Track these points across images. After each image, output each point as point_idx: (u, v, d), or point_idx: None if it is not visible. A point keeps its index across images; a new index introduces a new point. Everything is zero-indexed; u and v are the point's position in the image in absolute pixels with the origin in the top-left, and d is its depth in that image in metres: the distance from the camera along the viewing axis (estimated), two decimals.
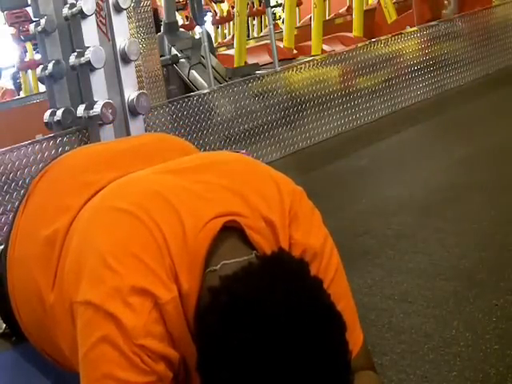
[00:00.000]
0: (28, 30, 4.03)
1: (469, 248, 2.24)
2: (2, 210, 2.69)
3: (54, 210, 1.32)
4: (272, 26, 4.40)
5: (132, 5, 3.60)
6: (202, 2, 4.72)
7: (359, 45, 4.53)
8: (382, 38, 4.64)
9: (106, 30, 2.79)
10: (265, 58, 5.40)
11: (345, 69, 4.29)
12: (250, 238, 1.12)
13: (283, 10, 7.86)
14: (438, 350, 1.67)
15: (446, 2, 5.45)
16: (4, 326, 1.88)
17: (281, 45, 5.49)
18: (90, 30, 2.73)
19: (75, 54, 2.75)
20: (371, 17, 6.59)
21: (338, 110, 4.18)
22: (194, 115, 3.54)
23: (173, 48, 4.92)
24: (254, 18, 8.92)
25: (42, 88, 5.44)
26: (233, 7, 7.66)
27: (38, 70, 3.07)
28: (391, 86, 4.49)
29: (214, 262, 1.07)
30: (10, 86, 8.12)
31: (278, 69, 4.00)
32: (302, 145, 3.97)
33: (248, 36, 8.24)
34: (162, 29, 5.06)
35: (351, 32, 6.08)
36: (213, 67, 4.29)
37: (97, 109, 2.71)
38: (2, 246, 1.55)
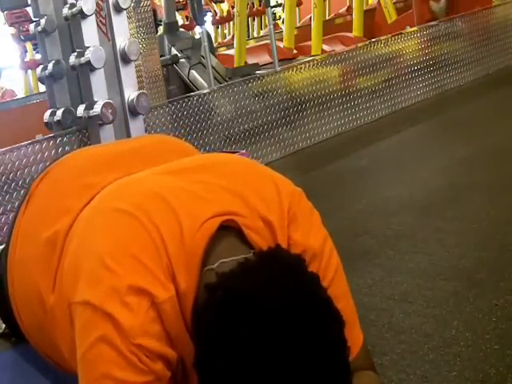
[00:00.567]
0: (28, 30, 4.03)
1: (469, 248, 2.24)
2: (2, 210, 2.69)
3: (54, 212, 1.32)
4: (272, 26, 4.40)
5: (132, 5, 3.60)
6: (202, 2, 4.72)
7: (359, 45, 4.53)
8: (381, 38, 4.64)
9: (106, 30, 2.79)
10: (265, 58, 5.40)
11: (345, 69, 4.29)
12: (248, 238, 1.12)
13: (283, 9, 7.86)
14: (437, 349, 1.67)
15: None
16: (4, 326, 1.88)
17: (281, 45, 5.49)
18: (90, 30, 2.73)
19: (75, 54, 2.75)
20: (371, 17, 6.60)
21: (337, 109, 4.18)
22: (194, 115, 3.54)
23: (173, 48, 4.92)
24: (254, 18, 8.92)
25: (42, 88, 5.44)
26: (233, 7, 7.66)
27: (38, 69, 3.07)
28: (391, 85, 4.49)
29: (212, 260, 1.07)
30: (10, 86, 8.12)
31: (278, 69, 4.01)
32: (302, 145, 3.97)
33: (248, 36, 8.24)
34: (160, 29, 5.06)
35: (351, 32, 6.09)
36: (213, 67, 4.29)
37: (97, 109, 2.71)
38: (3, 247, 1.55)
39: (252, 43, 6.73)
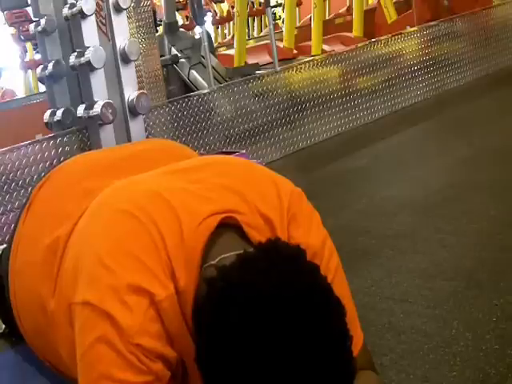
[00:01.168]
0: (28, 30, 4.03)
1: (469, 248, 2.24)
2: (2, 210, 2.69)
3: (55, 219, 1.32)
4: (272, 26, 4.40)
5: (132, 5, 3.60)
6: (202, 2, 4.72)
7: (359, 45, 4.53)
8: (381, 38, 4.64)
9: (106, 30, 2.79)
10: (265, 58, 5.40)
11: (345, 69, 4.29)
12: (248, 235, 1.12)
13: (283, 9, 7.86)
14: (437, 349, 1.67)
15: (446, 2, 5.45)
16: (4, 326, 1.89)
17: (281, 45, 5.49)
18: (90, 30, 2.73)
19: (75, 53, 2.75)
20: (371, 17, 6.60)
21: (337, 109, 4.18)
22: (194, 115, 3.54)
23: (173, 48, 4.92)
24: (254, 18, 8.93)
25: (42, 88, 5.44)
26: (233, 7, 7.66)
27: (38, 69, 3.07)
28: (391, 85, 4.49)
29: (212, 257, 1.07)
30: (10, 86, 8.12)
31: (278, 69, 4.00)
32: (302, 145, 3.97)
33: (248, 36, 8.25)
34: (160, 29, 5.06)
35: (351, 32, 6.09)
36: (213, 67, 4.29)
37: (97, 109, 2.71)
38: (3, 249, 1.54)
39: (252, 43, 6.73)
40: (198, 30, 6.70)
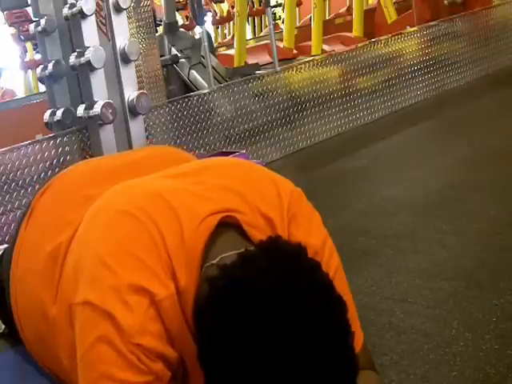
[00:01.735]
0: (28, 30, 4.03)
1: (469, 248, 2.24)
2: (2, 210, 2.69)
3: (56, 226, 1.32)
4: (272, 26, 4.40)
5: (132, 5, 3.60)
6: (202, 2, 4.72)
7: (359, 45, 4.53)
8: (381, 38, 4.64)
9: (106, 30, 2.79)
10: (265, 58, 5.40)
11: (345, 69, 4.29)
12: (249, 234, 1.12)
13: (283, 9, 7.86)
14: (437, 349, 1.67)
15: (445, 2, 5.45)
16: (3, 326, 1.89)
17: (281, 45, 5.49)
18: (90, 30, 2.73)
19: (75, 54, 2.75)
20: (371, 17, 6.60)
21: (337, 109, 4.18)
22: (194, 115, 3.54)
23: (173, 48, 4.93)
24: (254, 19, 8.93)
25: (42, 88, 5.44)
26: (233, 7, 7.66)
27: (38, 69, 3.07)
28: (391, 85, 4.49)
29: (212, 255, 1.07)
30: (10, 86, 8.12)
31: (278, 69, 4.00)
32: (302, 145, 3.97)
33: (254, 35, 8.27)
34: (160, 29, 5.06)
35: (351, 32, 6.09)
36: (213, 67, 4.29)
37: (97, 109, 2.71)
38: (5, 258, 1.53)
39: (252, 43, 6.73)
40: (198, 30, 6.71)
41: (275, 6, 9.44)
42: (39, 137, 3.20)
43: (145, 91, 3.08)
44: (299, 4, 7.87)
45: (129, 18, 3.49)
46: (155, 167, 1.39)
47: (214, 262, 1.05)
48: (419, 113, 4.38)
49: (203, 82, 4.61)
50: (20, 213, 2.68)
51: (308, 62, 4.17)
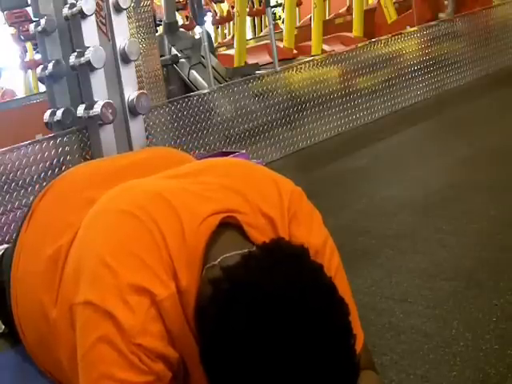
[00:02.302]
0: (28, 30, 4.03)
1: (469, 248, 2.24)
2: (2, 210, 2.69)
3: (56, 228, 1.32)
4: (272, 26, 4.40)
5: (132, 5, 3.60)
6: (202, 2, 4.72)
7: (359, 45, 4.53)
8: (381, 38, 4.64)
9: (106, 30, 2.79)
10: (265, 58, 5.40)
11: (345, 69, 4.29)
12: (249, 235, 1.12)
13: (283, 9, 7.86)
14: (437, 349, 1.67)
15: (446, 2, 5.46)
16: (3, 326, 1.88)
17: (281, 45, 5.49)
18: (90, 30, 2.73)
19: (75, 54, 2.75)
20: (371, 17, 6.60)
21: (337, 109, 4.18)
22: (194, 115, 3.54)
23: (173, 48, 4.93)
24: (254, 19, 8.93)
25: (42, 88, 5.44)
26: (233, 7, 7.66)
27: (38, 69, 3.07)
28: (391, 85, 4.49)
29: (213, 256, 1.07)
30: (10, 86, 8.12)
31: (278, 69, 4.00)
32: (302, 145, 3.98)
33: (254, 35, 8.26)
34: (159, 29, 5.05)
35: (351, 32, 6.09)
36: (213, 67, 4.29)
37: (97, 109, 2.71)
38: (5, 260, 1.53)
39: (252, 43, 6.73)
40: (198, 30, 6.71)
41: (275, 6, 9.44)
42: (39, 137, 3.20)
43: (145, 91, 3.08)
44: (299, 4, 7.87)
45: (129, 18, 3.49)
46: (155, 169, 1.39)
47: (216, 262, 1.05)
48: (419, 113, 4.38)
49: (203, 82, 4.61)
50: (20, 213, 2.68)
51: (308, 62, 4.18)
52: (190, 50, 4.89)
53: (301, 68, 4.07)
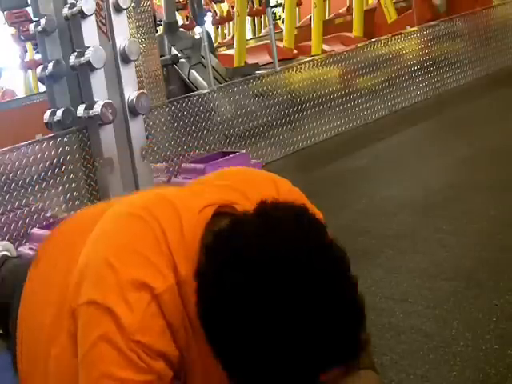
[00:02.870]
0: (28, 30, 4.03)
1: (469, 248, 2.24)
2: (2, 210, 2.69)
3: (64, 273, 1.28)
4: (272, 26, 4.40)
5: (132, 5, 3.60)
6: (202, 2, 4.72)
7: (359, 45, 4.53)
8: (381, 38, 4.65)
9: (106, 30, 2.79)
10: (265, 58, 5.40)
11: (345, 69, 4.29)
12: None
13: (283, 9, 7.86)
14: (438, 349, 1.67)
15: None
16: None
17: (281, 45, 5.50)
18: (90, 30, 2.73)
19: (75, 53, 2.75)
20: (371, 17, 6.60)
21: (337, 109, 4.19)
22: (194, 115, 3.54)
23: (173, 48, 4.93)
24: (254, 19, 8.93)
25: (42, 88, 5.44)
26: (233, 7, 7.66)
27: (38, 69, 3.07)
28: (391, 85, 4.49)
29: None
30: (10, 86, 8.13)
31: (278, 69, 4.01)
32: (302, 145, 3.98)
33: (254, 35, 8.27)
34: (159, 29, 5.05)
35: (351, 32, 6.09)
36: (213, 67, 4.29)
37: (97, 109, 2.71)
38: (15, 286, 1.50)
39: (252, 43, 6.73)
40: (198, 30, 6.71)
41: (275, 6, 9.44)
42: (39, 137, 3.20)
43: (145, 91, 3.09)
44: (299, 4, 7.87)
45: (129, 18, 3.48)
46: None
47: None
48: (419, 113, 4.38)
49: (203, 82, 4.61)
50: (20, 213, 2.68)
51: (308, 61, 4.18)
52: (190, 50, 4.90)
53: (301, 68, 4.07)
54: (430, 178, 3.05)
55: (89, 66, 2.70)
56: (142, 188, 2.85)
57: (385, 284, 2.08)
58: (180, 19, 7.76)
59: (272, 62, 4.29)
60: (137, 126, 2.89)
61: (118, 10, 2.79)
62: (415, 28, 4.90)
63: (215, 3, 8.89)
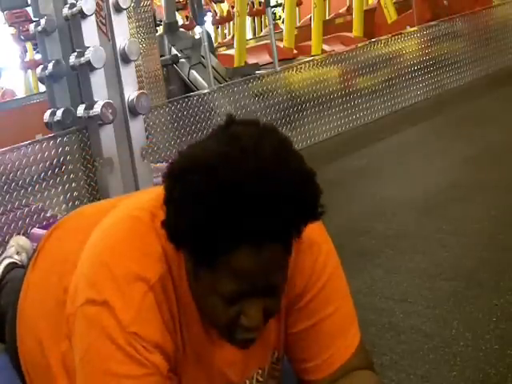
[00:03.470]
0: (28, 30, 4.03)
1: (469, 248, 2.24)
2: (2, 209, 2.69)
3: (63, 268, 1.28)
4: (272, 26, 4.40)
5: (132, 5, 3.60)
6: (202, 2, 4.72)
7: (359, 45, 4.53)
8: (381, 38, 4.64)
9: (106, 30, 2.79)
10: (265, 58, 5.40)
11: (345, 69, 4.29)
12: None
13: (283, 9, 7.86)
14: (438, 349, 1.67)
15: (445, 2, 5.46)
16: None
17: (281, 45, 5.49)
18: (90, 30, 2.73)
19: (75, 54, 2.75)
20: (371, 17, 6.60)
21: (337, 109, 4.18)
22: (194, 115, 3.54)
23: (173, 48, 4.93)
24: (254, 19, 8.93)
25: (42, 88, 5.44)
26: (233, 7, 7.66)
27: (38, 69, 3.07)
28: (391, 85, 4.49)
29: None
30: (10, 86, 8.13)
31: (278, 69, 4.01)
32: (302, 145, 3.98)
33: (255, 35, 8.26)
34: (159, 29, 5.05)
35: (351, 32, 6.09)
36: (213, 67, 4.29)
37: (97, 109, 2.71)
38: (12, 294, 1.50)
39: (252, 43, 6.73)
40: (198, 30, 6.71)
41: (275, 6, 9.44)
42: (39, 137, 3.20)
43: (145, 91, 3.09)
44: (299, 4, 7.87)
45: (129, 18, 3.48)
46: None
47: None
48: (419, 113, 4.38)
49: (203, 82, 4.61)
50: (20, 213, 2.69)
51: (308, 61, 4.18)
52: (190, 50, 4.90)
53: (301, 68, 4.07)
54: (431, 178, 3.05)
55: (89, 66, 2.70)
56: (142, 188, 2.86)
57: (385, 284, 2.08)
58: (180, 19, 7.76)
59: (272, 62, 4.29)
60: (137, 126, 2.89)
61: (118, 9, 2.78)
62: (415, 28, 4.90)
63: (215, 3, 8.89)
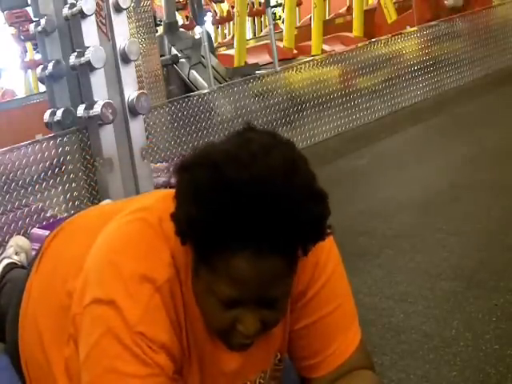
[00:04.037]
0: (28, 30, 4.03)
1: (469, 248, 2.24)
2: (2, 209, 2.69)
3: (67, 272, 1.27)
4: (272, 26, 4.40)
5: (132, 5, 3.60)
6: (202, 2, 4.72)
7: (359, 45, 4.53)
8: (381, 38, 4.64)
9: (106, 30, 2.79)
10: (265, 58, 5.40)
11: (345, 69, 4.29)
12: None
13: (283, 9, 7.86)
14: (437, 349, 1.67)
15: (446, 2, 5.46)
16: None
17: (281, 45, 5.50)
18: (90, 30, 2.73)
19: (75, 53, 2.75)
20: (371, 17, 6.60)
21: (338, 109, 4.18)
22: (194, 115, 3.54)
23: (173, 48, 4.93)
24: (254, 19, 8.93)
25: (42, 88, 5.44)
26: (233, 7, 7.66)
27: (38, 69, 3.07)
28: (391, 85, 4.49)
29: None
30: (10, 86, 8.13)
31: (278, 69, 4.01)
32: (302, 145, 3.97)
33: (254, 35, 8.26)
34: (159, 29, 5.05)
35: (351, 32, 6.09)
36: (213, 67, 4.29)
37: (97, 109, 2.71)
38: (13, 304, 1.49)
39: (252, 43, 6.73)
40: (198, 30, 6.70)
41: (275, 6, 9.43)
42: (39, 137, 3.20)
43: (145, 91, 3.09)
44: (299, 4, 7.87)
45: (129, 18, 3.49)
46: None
47: None
48: (419, 113, 4.38)
49: (203, 82, 4.61)
50: (20, 213, 2.68)
51: (308, 61, 4.18)
52: (190, 50, 4.90)
53: (301, 68, 4.07)
54: (430, 178, 3.05)
55: (89, 66, 2.70)
56: (142, 188, 2.86)
57: (385, 284, 2.08)
58: (180, 19, 7.76)
59: (272, 62, 4.29)
60: (137, 126, 2.89)
61: (118, 10, 2.78)
62: (415, 28, 4.90)
63: (215, 3, 8.89)
